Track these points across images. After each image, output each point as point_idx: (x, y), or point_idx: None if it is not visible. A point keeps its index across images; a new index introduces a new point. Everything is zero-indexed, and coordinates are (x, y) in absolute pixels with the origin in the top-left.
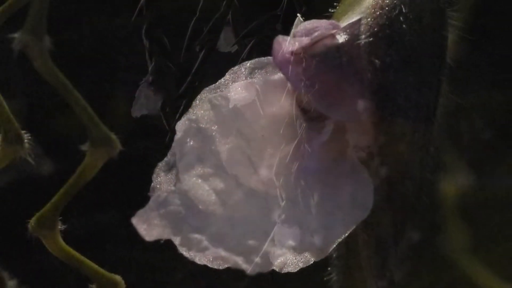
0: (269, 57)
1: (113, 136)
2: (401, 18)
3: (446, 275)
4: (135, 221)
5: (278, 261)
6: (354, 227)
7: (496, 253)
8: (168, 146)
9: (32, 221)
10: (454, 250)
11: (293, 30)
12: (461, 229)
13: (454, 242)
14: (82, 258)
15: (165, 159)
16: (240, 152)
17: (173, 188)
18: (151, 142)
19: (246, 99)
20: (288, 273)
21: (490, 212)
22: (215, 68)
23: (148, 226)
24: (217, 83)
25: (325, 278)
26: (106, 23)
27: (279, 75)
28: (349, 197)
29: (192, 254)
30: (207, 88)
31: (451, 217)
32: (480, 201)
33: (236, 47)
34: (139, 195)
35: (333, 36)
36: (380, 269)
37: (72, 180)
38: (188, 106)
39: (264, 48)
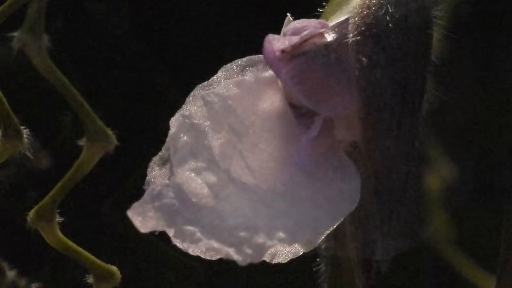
0: (260, 55)
1: (109, 131)
2: (387, 18)
3: (430, 266)
4: (130, 213)
5: (269, 252)
6: (342, 219)
7: (480, 244)
8: (162, 141)
9: (31, 213)
10: (438, 242)
11: (283, 29)
12: (446, 221)
13: (438, 234)
14: (79, 249)
15: (160, 153)
16: (231, 147)
17: (167, 181)
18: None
19: (238, 96)
20: (278, 264)
21: (474, 204)
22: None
23: (143, 219)
24: (210, 80)
25: (314, 269)
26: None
27: (269, 73)
28: (337, 190)
29: (185, 246)
30: (200, 85)
31: (436, 210)
32: (464, 194)
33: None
34: (135, 188)
35: (321, 34)
36: (367, 260)
37: (69, 174)
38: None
39: None
